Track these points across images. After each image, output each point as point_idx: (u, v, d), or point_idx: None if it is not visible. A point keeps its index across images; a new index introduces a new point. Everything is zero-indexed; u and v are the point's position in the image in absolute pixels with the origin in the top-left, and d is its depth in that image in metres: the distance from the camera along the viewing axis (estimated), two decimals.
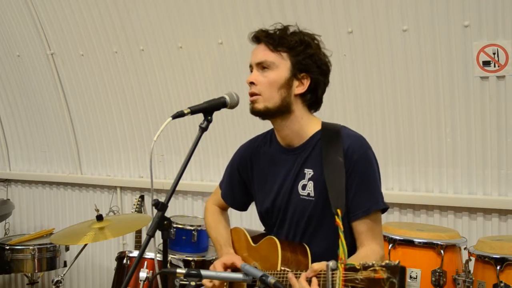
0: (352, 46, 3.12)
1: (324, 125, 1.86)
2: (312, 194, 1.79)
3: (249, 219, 3.28)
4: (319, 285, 1.47)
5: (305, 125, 1.84)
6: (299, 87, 1.79)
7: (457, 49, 2.87)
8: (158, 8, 3.62)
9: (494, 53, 2.78)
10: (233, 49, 3.45)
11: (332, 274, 1.39)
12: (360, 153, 1.76)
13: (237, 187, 2.06)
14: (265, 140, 1.98)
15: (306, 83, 1.79)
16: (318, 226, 1.80)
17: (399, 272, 1.23)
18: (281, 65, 1.77)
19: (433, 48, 2.92)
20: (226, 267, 1.88)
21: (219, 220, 2.12)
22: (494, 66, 2.80)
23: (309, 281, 1.50)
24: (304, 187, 1.81)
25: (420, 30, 2.92)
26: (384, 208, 1.79)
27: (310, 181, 1.80)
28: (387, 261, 1.26)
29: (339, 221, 1.56)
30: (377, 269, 1.25)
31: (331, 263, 1.40)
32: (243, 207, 2.11)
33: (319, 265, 1.49)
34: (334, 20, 3.10)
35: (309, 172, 1.81)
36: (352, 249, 1.75)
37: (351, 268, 1.33)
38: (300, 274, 1.54)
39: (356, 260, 1.51)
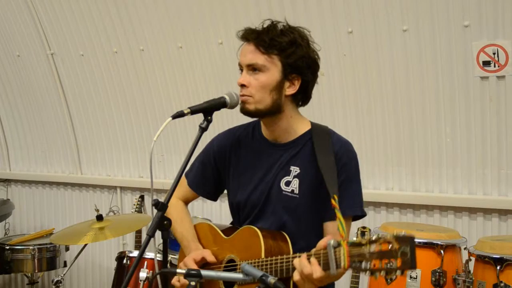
0: (352, 46, 3.12)
1: (314, 125, 1.88)
2: (296, 191, 1.80)
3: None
4: (319, 264, 1.46)
5: (294, 123, 1.85)
6: (290, 88, 1.79)
7: (457, 49, 2.87)
8: (158, 8, 3.62)
9: (494, 53, 2.78)
10: (233, 49, 3.43)
11: (335, 251, 1.39)
12: (348, 158, 1.80)
13: (210, 176, 2.01)
14: (247, 132, 1.97)
15: (297, 84, 1.79)
16: (298, 223, 1.81)
17: (409, 241, 1.23)
18: (272, 68, 1.76)
19: (433, 48, 2.92)
20: (197, 263, 1.87)
21: (184, 216, 2.06)
22: (494, 66, 2.80)
23: (309, 260, 1.50)
24: (288, 183, 1.82)
25: (420, 30, 2.92)
26: (360, 215, 1.81)
27: (296, 179, 1.81)
28: (395, 233, 1.27)
29: (335, 203, 1.57)
30: (389, 240, 1.25)
31: (332, 241, 1.40)
32: (213, 197, 2.07)
33: (318, 245, 1.50)
34: (334, 20, 3.10)
35: (295, 170, 1.82)
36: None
37: (355, 244, 1.33)
38: (300, 255, 1.54)
39: None
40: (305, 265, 1.49)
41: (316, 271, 1.46)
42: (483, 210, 2.99)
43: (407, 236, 1.25)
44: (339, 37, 3.12)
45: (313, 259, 1.48)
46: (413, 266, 1.23)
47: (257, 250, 1.73)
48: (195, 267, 1.85)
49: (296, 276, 1.51)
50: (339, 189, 1.74)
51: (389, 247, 1.25)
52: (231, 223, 2.04)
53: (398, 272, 1.24)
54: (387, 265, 1.25)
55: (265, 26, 1.79)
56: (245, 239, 1.82)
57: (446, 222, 3.08)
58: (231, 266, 1.85)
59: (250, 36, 1.79)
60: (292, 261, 1.57)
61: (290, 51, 1.76)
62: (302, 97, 1.84)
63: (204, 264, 1.89)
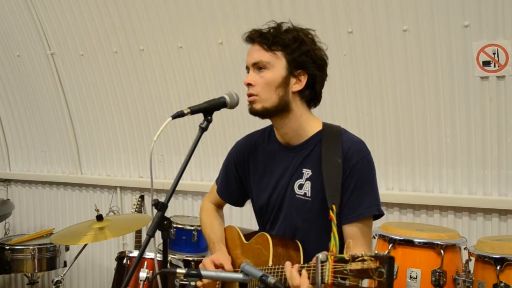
0: (352, 46, 3.12)
1: (325, 126, 1.86)
2: (308, 194, 1.80)
3: (250, 218, 3.28)
4: (308, 277, 1.47)
5: (305, 124, 1.84)
6: (297, 84, 1.79)
7: (457, 49, 2.87)
8: (158, 8, 3.62)
9: (494, 53, 2.78)
10: (233, 49, 3.45)
11: (322, 266, 1.39)
12: (359, 157, 1.76)
13: (233, 182, 2.05)
14: (263, 136, 1.98)
15: (304, 79, 1.79)
16: (311, 226, 1.80)
17: (387, 261, 1.23)
18: (277, 64, 1.77)
19: (433, 48, 2.92)
20: (216, 266, 1.88)
21: (214, 218, 2.11)
22: (494, 66, 2.80)
23: (300, 272, 1.51)
24: (301, 186, 1.82)
25: (420, 30, 2.92)
26: (378, 214, 1.79)
27: (308, 181, 1.80)
28: (376, 252, 1.26)
29: (333, 215, 1.57)
30: (366, 259, 1.25)
31: (321, 255, 1.40)
32: (239, 203, 2.11)
33: (314, 258, 1.50)
34: (334, 20, 3.10)
35: (307, 172, 1.81)
36: (341, 252, 1.75)
37: (341, 260, 1.33)
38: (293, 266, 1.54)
39: None
40: (295, 276, 1.50)
41: (304, 283, 1.47)
42: (483, 210, 2.99)
43: (386, 256, 1.24)
44: (339, 37, 3.12)
45: (304, 271, 1.49)
46: None
47: (266, 257, 1.74)
48: (212, 268, 1.87)
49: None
50: (353, 190, 1.73)
51: (368, 266, 1.24)
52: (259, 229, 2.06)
53: None
54: (363, 285, 1.25)
55: (269, 26, 1.81)
56: (258, 245, 1.84)
57: (446, 222, 3.08)
58: None
59: (254, 36, 1.80)
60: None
61: (294, 47, 1.76)
62: (310, 94, 1.82)
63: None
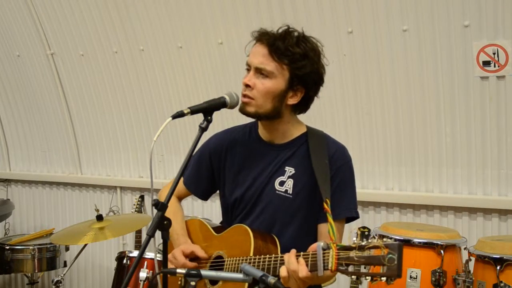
0: (352, 46, 3.12)
1: (309, 129, 1.91)
2: (290, 191, 1.83)
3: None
4: (307, 265, 1.49)
5: (291, 127, 1.88)
6: (293, 98, 1.81)
7: (457, 49, 2.87)
8: (158, 8, 3.62)
9: (494, 53, 2.78)
10: (233, 49, 3.45)
11: (324, 253, 1.42)
12: (344, 161, 1.84)
13: (205, 174, 2.03)
14: (244, 132, 1.99)
15: (300, 95, 1.81)
16: (288, 223, 1.83)
17: (397, 248, 1.26)
18: (280, 76, 1.77)
19: (433, 48, 2.92)
20: (185, 255, 1.89)
21: (176, 210, 2.08)
22: (494, 66, 2.80)
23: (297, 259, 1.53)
24: (282, 183, 1.84)
25: (420, 30, 2.92)
26: (354, 217, 1.84)
27: (290, 179, 1.83)
28: (385, 239, 1.29)
29: (327, 207, 1.61)
30: (378, 245, 1.27)
31: (322, 243, 1.43)
32: (204, 196, 2.10)
33: (309, 248, 1.53)
34: (334, 20, 3.10)
35: (290, 170, 1.84)
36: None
37: (344, 247, 1.36)
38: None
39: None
40: (292, 262, 1.53)
41: (302, 270, 1.49)
42: (483, 210, 2.99)
43: (396, 243, 1.27)
44: (339, 37, 3.12)
45: (301, 259, 1.51)
46: (398, 274, 1.25)
47: (246, 248, 1.75)
48: (183, 259, 1.88)
49: (283, 272, 1.55)
50: (334, 191, 1.77)
51: (378, 252, 1.27)
52: (220, 223, 2.06)
53: (383, 279, 1.26)
54: (373, 271, 1.27)
55: (280, 31, 1.79)
56: (236, 236, 1.84)
57: (446, 222, 3.08)
58: (218, 262, 1.87)
59: (265, 39, 1.78)
60: (279, 261, 1.61)
61: (301, 64, 1.76)
62: (302, 106, 1.86)
63: (192, 258, 1.91)
